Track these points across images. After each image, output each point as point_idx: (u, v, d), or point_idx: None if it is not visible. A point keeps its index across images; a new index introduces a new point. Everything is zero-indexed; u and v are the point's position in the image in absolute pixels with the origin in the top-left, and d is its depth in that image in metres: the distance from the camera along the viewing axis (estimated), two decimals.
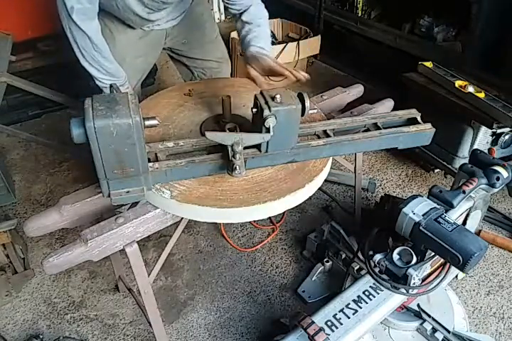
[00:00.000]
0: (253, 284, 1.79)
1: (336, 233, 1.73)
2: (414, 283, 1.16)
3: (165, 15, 1.59)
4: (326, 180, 1.27)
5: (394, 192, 2.23)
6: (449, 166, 2.05)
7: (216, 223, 2.01)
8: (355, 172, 1.71)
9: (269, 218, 2.06)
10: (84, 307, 1.71)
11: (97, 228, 1.05)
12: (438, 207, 1.12)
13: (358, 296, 1.16)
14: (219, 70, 1.92)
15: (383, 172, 2.36)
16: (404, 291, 1.16)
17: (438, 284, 1.22)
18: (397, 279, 1.17)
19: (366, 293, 1.17)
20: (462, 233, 1.05)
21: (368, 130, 1.28)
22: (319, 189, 1.26)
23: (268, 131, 1.06)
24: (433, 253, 1.14)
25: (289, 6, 3.34)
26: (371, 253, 1.22)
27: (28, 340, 1.58)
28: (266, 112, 1.03)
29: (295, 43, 2.91)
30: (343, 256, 1.72)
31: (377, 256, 1.19)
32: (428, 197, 1.17)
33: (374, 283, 1.18)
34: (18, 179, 2.30)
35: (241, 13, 1.47)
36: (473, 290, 1.76)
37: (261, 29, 1.45)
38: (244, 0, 1.45)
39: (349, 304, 1.14)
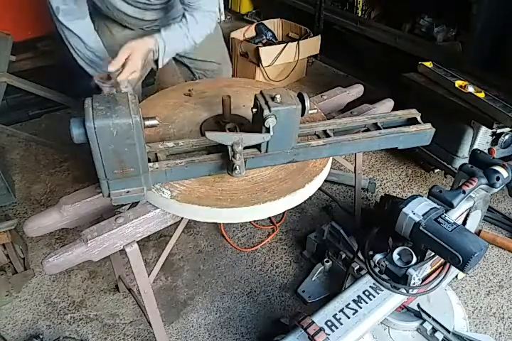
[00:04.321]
0: (253, 284, 1.79)
1: (336, 233, 1.73)
2: (414, 283, 1.16)
3: (162, 15, 1.59)
4: (326, 180, 1.27)
5: (394, 192, 2.23)
6: (449, 166, 2.05)
7: (216, 223, 2.01)
8: (355, 172, 1.71)
9: (269, 218, 2.06)
10: (84, 307, 1.71)
11: (97, 228, 1.05)
12: (438, 207, 1.12)
13: (358, 296, 1.16)
14: (220, 72, 1.92)
15: (383, 172, 2.36)
16: (404, 291, 1.16)
17: (438, 284, 1.22)
18: (397, 279, 1.17)
19: (366, 293, 1.17)
20: (462, 233, 1.05)
21: (368, 130, 1.29)
22: (319, 189, 1.26)
23: (268, 131, 1.06)
24: (433, 253, 1.14)
25: (289, 6, 3.35)
26: (371, 253, 1.22)
27: (28, 340, 1.58)
28: (266, 112, 1.03)
29: (295, 43, 2.91)
30: (343, 256, 1.72)
31: (377, 256, 1.19)
32: (428, 197, 1.17)
33: (374, 283, 1.18)
34: (18, 179, 2.30)
35: (187, 7, 1.42)
36: (473, 290, 1.75)
37: (182, 30, 1.41)
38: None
39: (349, 304, 1.14)
